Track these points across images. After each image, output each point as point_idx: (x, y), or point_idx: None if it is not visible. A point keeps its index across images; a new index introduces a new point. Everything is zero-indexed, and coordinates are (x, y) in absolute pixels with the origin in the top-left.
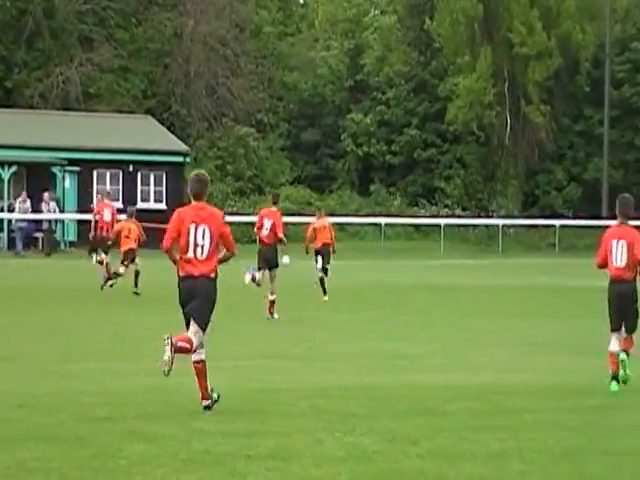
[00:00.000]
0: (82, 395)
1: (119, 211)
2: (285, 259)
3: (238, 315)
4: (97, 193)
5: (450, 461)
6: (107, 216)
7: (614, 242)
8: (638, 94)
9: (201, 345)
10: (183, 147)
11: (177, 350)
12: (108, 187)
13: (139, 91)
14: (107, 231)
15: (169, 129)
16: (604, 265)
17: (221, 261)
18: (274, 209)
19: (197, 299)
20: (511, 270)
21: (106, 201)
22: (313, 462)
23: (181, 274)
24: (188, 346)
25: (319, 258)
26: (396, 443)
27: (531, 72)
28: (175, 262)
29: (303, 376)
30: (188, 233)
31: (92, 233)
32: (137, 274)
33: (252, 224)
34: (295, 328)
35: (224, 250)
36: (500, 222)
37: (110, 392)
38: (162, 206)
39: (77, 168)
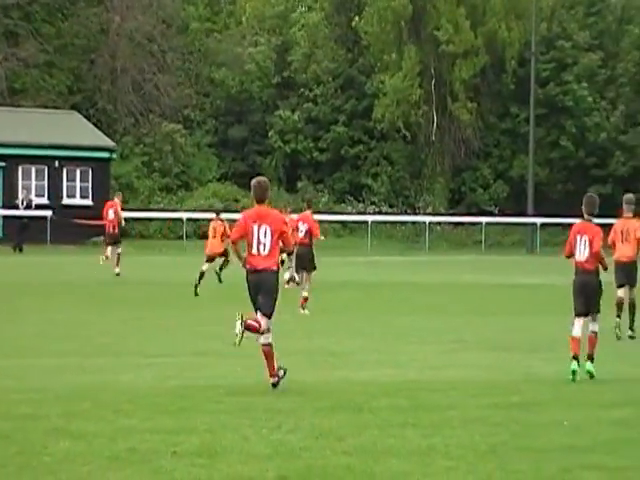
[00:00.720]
0: (5, 392)
1: (43, 207)
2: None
3: (165, 311)
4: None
5: (376, 457)
6: (111, 215)
7: (578, 237)
8: (563, 92)
9: (268, 330)
10: (109, 143)
11: (246, 327)
12: (34, 183)
13: (65, 87)
14: (113, 228)
15: (95, 125)
16: (571, 256)
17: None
18: (308, 213)
19: (262, 293)
20: (437, 267)
21: (116, 200)
22: (240, 459)
23: (248, 267)
24: (256, 325)
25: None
26: (323, 439)
27: (458, 70)
28: (239, 256)
29: (229, 373)
30: (252, 232)
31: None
32: (202, 275)
33: (179, 220)
34: (221, 325)
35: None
36: (427, 219)
37: (35, 389)
38: (88, 202)
39: (2, 163)
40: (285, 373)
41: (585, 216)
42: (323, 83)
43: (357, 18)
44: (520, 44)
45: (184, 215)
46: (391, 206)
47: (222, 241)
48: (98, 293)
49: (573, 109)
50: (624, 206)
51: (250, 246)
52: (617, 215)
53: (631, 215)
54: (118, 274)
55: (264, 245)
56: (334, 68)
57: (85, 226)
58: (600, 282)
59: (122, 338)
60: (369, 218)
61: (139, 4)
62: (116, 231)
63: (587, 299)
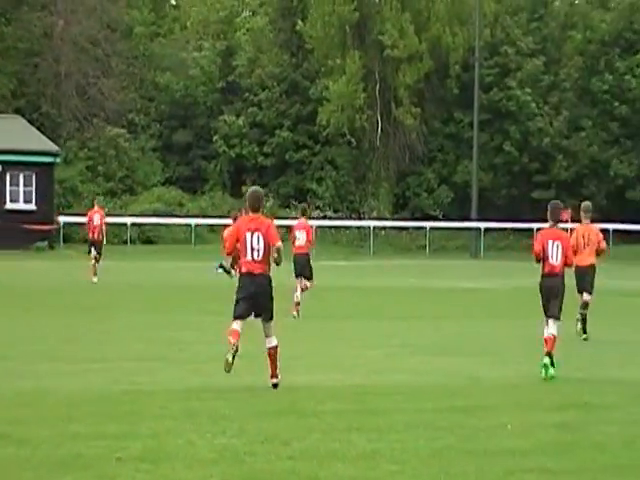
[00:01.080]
0: None
1: None
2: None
3: (111, 317)
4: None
5: (321, 462)
6: (97, 221)
7: (550, 242)
8: (507, 98)
9: (272, 333)
10: (53, 147)
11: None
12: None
13: (8, 91)
14: (98, 234)
15: (39, 129)
16: (540, 260)
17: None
18: (303, 221)
19: (259, 300)
20: (382, 271)
21: (96, 207)
22: (184, 464)
23: (244, 271)
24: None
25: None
26: (268, 444)
27: (402, 75)
28: (235, 262)
29: (174, 378)
30: (245, 239)
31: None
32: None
33: (124, 225)
34: (164, 330)
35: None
36: (371, 224)
37: None
38: (31, 207)
39: None
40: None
41: (551, 222)
42: (268, 88)
43: (301, 22)
44: (464, 49)
45: (128, 220)
46: (336, 211)
47: None
48: (43, 298)
49: (516, 114)
50: (582, 214)
51: (244, 253)
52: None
53: (589, 222)
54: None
55: (257, 251)
56: (279, 73)
57: (30, 231)
58: (564, 285)
59: (67, 343)
60: (314, 223)
61: (83, 8)
62: (100, 237)
63: (558, 302)
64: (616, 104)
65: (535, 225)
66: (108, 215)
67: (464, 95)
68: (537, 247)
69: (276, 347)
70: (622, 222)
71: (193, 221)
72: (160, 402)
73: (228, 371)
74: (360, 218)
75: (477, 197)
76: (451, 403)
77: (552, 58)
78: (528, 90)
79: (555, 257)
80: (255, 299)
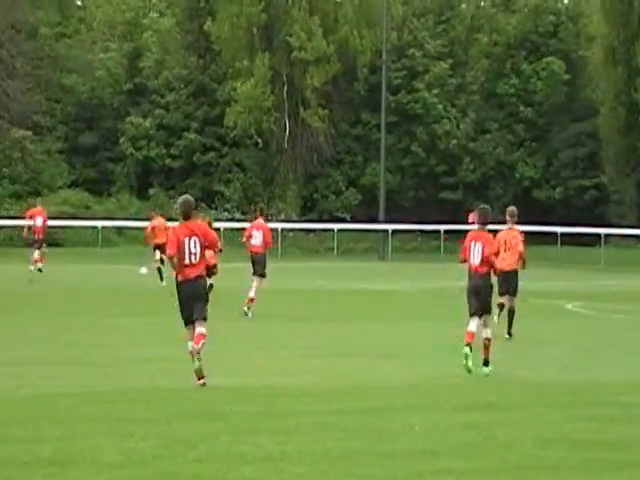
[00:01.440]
0: None
1: None
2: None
3: (18, 319)
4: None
5: (229, 464)
6: (39, 221)
7: (472, 244)
8: (414, 100)
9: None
10: None
11: (197, 352)
12: None
13: None
14: (40, 234)
15: None
16: (465, 261)
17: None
18: (261, 221)
19: (197, 300)
20: (290, 274)
21: (39, 207)
22: (92, 468)
23: (181, 278)
24: (204, 341)
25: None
26: (175, 447)
27: (309, 77)
28: (175, 267)
29: (82, 381)
30: (183, 245)
31: (25, 235)
32: None
33: (29, 228)
34: (72, 333)
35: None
36: (279, 226)
37: None
38: None
39: None
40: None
41: (478, 225)
42: (175, 89)
43: (209, 24)
44: (372, 52)
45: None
46: (244, 213)
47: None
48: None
49: (424, 116)
50: (507, 217)
51: (182, 257)
52: (467, 221)
53: (512, 226)
54: (40, 269)
55: (195, 255)
56: (186, 75)
57: None
58: (491, 285)
59: None
60: (221, 225)
61: None
62: (42, 236)
63: (480, 300)
64: (522, 107)
65: (442, 227)
66: (13, 218)
67: (372, 97)
68: (462, 249)
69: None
70: (529, 224)
71: (100, 223)
72: (68, 405)
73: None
74: (268, 220)
75: (385, 199)
76: (358, 404)
77: (459, 61)
78: (435, 92)
79: (475, 257)
80: (192, 301)
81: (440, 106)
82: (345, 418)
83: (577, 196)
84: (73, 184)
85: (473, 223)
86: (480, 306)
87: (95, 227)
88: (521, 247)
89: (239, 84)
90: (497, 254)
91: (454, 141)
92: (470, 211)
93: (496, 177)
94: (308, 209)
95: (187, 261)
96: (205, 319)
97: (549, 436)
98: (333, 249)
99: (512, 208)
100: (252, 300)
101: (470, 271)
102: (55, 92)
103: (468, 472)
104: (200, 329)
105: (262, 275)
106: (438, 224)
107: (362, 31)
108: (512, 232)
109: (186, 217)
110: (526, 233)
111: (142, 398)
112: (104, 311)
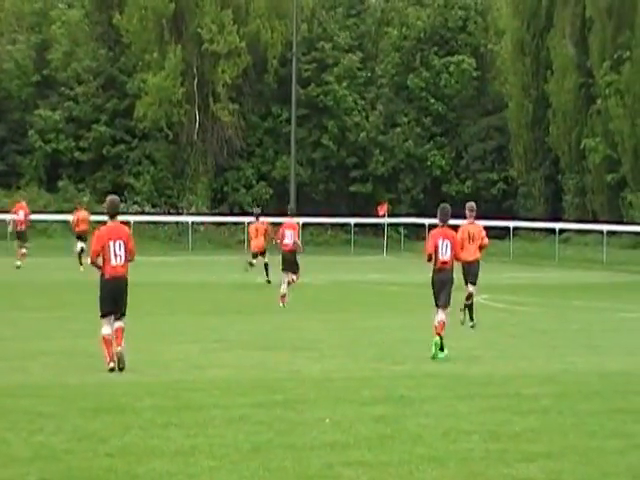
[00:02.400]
0: None
1: None
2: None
3: None
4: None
5: (140, 458)
6: (21, 215)
7: (440, 240)
8: (324, 93)
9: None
10: None
11: (119, 356)
12: None
13: None
14: (21, 225)
15: None
16: (431, 258)
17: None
18: (292, 221)
19: (120, 297)
20: (201, 267)
21: (23, 202)
22: (0, 463)
23: (108, 276)
24: (116, 345)
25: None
26: (85, 441)
27: (221, 71)
28: (99, 268)
29: None
30: (108, 246)
31: (11, 228)
32: (266, 266)
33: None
34: None
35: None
36: (190, 219)
37: None
38: None
39: None
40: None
41: (440, 223)
42: (84, 82)
43: (118, 15)
44: (282, 45)
45: None
46: (154, 206)
47: (265, 239)
48: None
49: (334, 109)
50: (467, 212)
51: (108, 258)
52: (376, 214)
53: (473, 220)
54: (19, 267)
55: (120, 257)
56: (95, 67)
57: None
58: (454, 278)
59: None
60: (131, 218)
61: None
62: (24, 228)
63: (447, 292)
64: (432, 101)
65: (353, 220)
66: None
67: (282, 90)
68: (429, 246)
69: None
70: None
71: (8, 216)
72: None
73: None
74: (178, 213)
75: (295, 192)
76: (270, 397)
77: (369, 54)
78: (345, 85)
79: (445, 253)
80: (117, 298)
81: (350, 98)
82: (256, 411)
83: (486, 189)
84: None
85: (383, 216)
86: (448, 298)
87: (2, 220)
88: (486, 240)
89: (149, 76)
90: (461, 247)
91: (363, 133)
92: (379, 204)
93: (406, 170)
94: (218, 202)
95: (113, 262)
96: (124, 315)
97: (459, 428)
98: (244, 242)
99: (471, 204)
100: (284, 296)
101: (439, 266)
102: None
103: (378, 464)
104: (120, 324)
105: (295, 272)
106: (349, 217)
107: (273, 23)
108: (476, 226)
109: (112, 216)
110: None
111: (50, 393)
112: (10, 304)
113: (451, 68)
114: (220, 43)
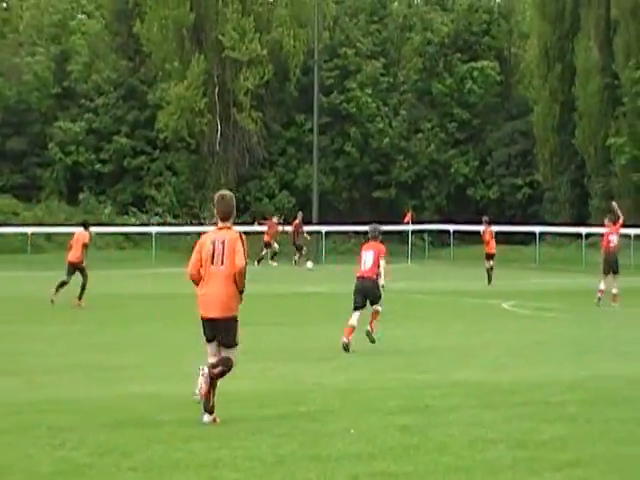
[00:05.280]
0: None
1: None
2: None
3: None
4: None
5: (163, 472)
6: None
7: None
8: (347, 100)
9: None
10: None
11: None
12: None
13: None
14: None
15: None
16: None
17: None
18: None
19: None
20: None
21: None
22: (23, 477)
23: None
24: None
25: None
26: (108, 456)
27: (242, 79)
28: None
29: (11, 390)
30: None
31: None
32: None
33: None
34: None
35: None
36: (212, 229)
37: None
38: None
39: None
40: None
41: (370, 237)
42: (104, 93)
43: (139, 24)
44: (304, 53)
45: None
46: (175, 217)
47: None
48: None
49: (356, 116)
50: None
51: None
52: (402, 221)
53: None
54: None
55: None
56: (115, 78)
57: None
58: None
59: None
60: (153, 229)
61: None
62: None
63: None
64: (455, 107)
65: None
66: None
67: (304, 98)
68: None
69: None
70: (463, 223)
71: (29, 230)
72: None
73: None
74: (200, 224)
75: (318, 201)
76: (293, 409)
77: (392, 60)
78: (368, 92)
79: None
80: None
81: (373, 105)
82: (279, 422)
83: (511, 194)
84: (1, 190)
85: (407, 223)
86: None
87: (24, 234)
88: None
89: (171, 85)
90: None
91: (386, 140)
92: (405, 213)
93: (430, 176)
94: (241, 212)
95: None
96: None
97: (485, 437)
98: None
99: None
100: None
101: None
102: None
103: (404, 474)
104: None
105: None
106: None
107: (295, 31)
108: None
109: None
110: (460, 233)
111: (72, 407)
112: (29, 318)
113: (475, 74)
114: (241, 50)
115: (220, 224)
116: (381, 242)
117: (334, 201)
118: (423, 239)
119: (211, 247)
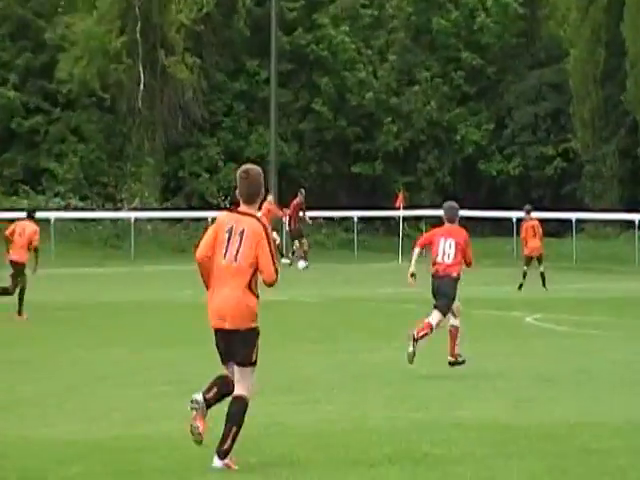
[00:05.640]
0: None
1: None
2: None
3: None
4: None
5: None
6: None
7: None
8: (316, 41)
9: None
10: None
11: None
12: None
13: None
14: None
15: None
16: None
17: None
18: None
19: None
20: (147, 281)
21: None
22: None
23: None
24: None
25: None
26: None
27: (174, 10)
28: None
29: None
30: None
31: None
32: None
33: None
34: None
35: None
36: (132, 215)
37: None
38: None
39: None
40: None
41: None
42: None
43: None
44: None
45: None
46: (83, 199)
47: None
48: None
49: (329, 62)
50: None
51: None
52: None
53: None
54: None
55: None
56: (1, 8)
57: None
58: None
59: None
60: (51, 215)
61: None
62: None
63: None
64: (463, 49)
65: (356, 213)
66: None
67: (258, 38)
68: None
69: None
70: (473, 208)
71: None
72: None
73: None
74: (117, 208)
75: (277, 176)
76: (241, 459)
77: None
78: (344, 29)
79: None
80: None
81: (351, 47)
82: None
83: (538, 169)
84: None
85: (399, 208)
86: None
87: None
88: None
89: (77, 20)
90: None
91: (369, 94)
92: (396, 194)
93: (428, 144)
94: (172, 192)
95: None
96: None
97: None
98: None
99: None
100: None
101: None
102: None
103: None
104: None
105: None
106: (350, 209)
107: None
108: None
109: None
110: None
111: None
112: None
113: (489, 3)
114: None
115: (243, 207)
116: (463, 227)
117: (298, 177)
118: (419, 228)
119: (226, 235)
